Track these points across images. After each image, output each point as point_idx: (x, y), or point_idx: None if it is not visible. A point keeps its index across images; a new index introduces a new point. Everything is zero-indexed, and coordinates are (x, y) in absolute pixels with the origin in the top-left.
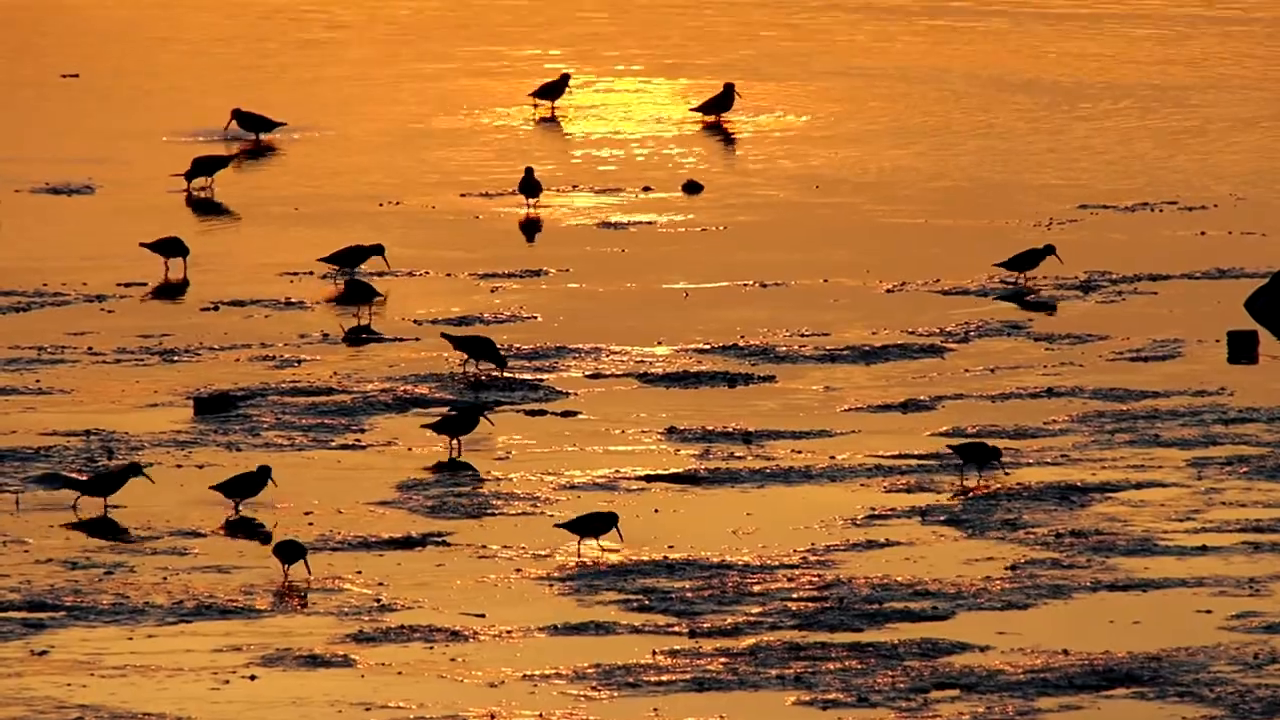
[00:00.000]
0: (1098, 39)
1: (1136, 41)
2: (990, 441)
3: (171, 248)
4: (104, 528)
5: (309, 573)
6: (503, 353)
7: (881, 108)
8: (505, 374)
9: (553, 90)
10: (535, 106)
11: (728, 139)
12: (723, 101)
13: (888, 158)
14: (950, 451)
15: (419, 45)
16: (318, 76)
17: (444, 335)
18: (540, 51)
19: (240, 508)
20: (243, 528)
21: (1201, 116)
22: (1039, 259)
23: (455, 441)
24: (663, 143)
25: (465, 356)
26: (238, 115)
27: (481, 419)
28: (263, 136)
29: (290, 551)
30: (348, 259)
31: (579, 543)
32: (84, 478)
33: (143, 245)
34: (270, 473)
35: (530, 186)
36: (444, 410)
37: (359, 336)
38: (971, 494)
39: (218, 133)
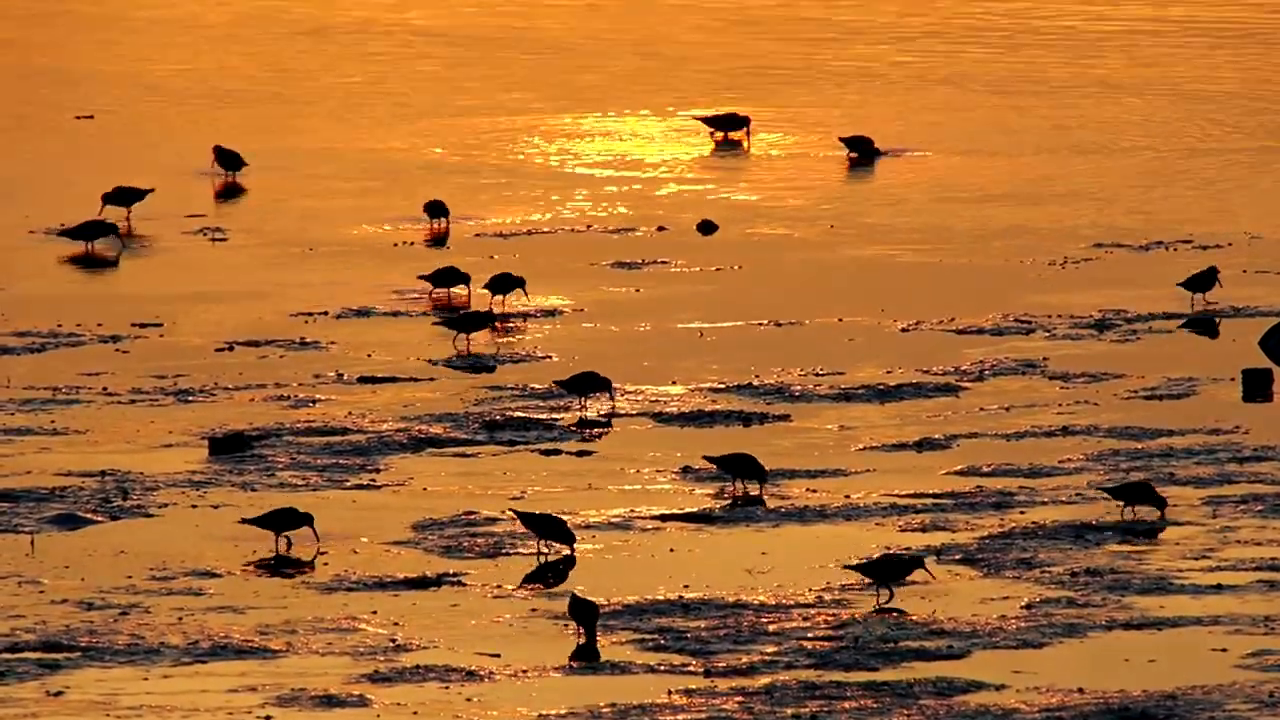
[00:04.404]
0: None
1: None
2: (1142, 477)
3: (449, 278)
4: (119, 568)
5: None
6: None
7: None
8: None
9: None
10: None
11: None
12: (732, 121)
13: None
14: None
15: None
16: (349, 107)
17: (556, 383)
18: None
19: (545, 544)
20: (261, 567)
21: (1220, 156)
22: (1212, 280)
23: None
24: (683, 180)
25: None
26: (218, 152)
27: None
28: (236, 176)
29: (586, 611)
30: (84, 233)
31: (876, 585)
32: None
33: (421, 277)
34: (567, 530)
35: (437, 208)
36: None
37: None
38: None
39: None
